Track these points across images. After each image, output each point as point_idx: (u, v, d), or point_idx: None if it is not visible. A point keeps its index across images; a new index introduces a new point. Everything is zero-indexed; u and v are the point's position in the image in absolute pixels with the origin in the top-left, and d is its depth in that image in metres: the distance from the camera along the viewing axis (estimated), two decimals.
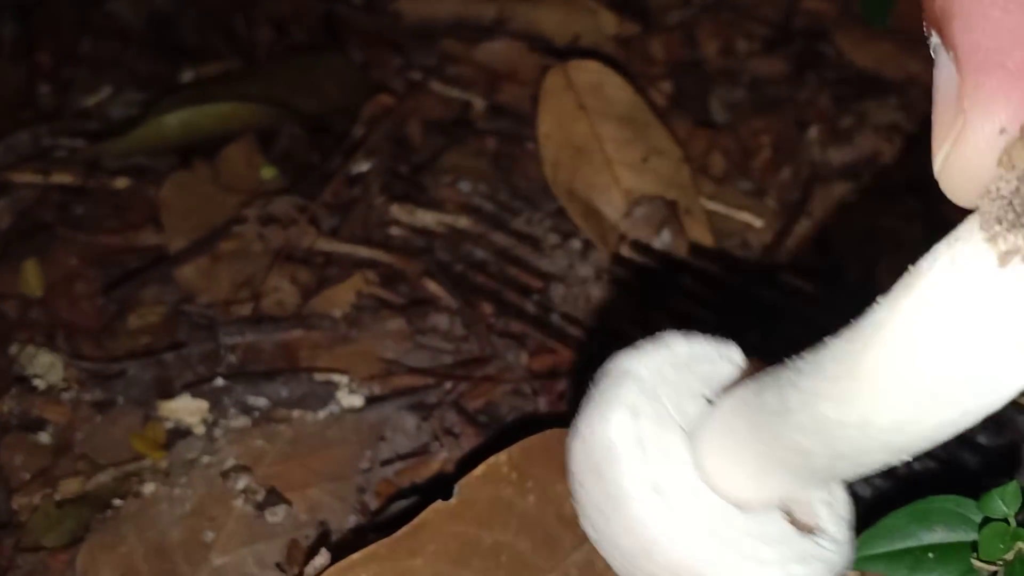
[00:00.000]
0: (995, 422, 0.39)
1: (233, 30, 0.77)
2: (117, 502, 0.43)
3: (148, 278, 0.55)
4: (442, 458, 0.45)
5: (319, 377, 0.48)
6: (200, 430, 0.46)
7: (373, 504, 0.43)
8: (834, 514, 0.23)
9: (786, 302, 0.51)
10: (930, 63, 0.17)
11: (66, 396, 0.49)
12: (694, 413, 0.23)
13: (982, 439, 0.41)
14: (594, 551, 0.37)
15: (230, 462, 0.43)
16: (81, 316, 0.54)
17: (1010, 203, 0.15)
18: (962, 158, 0.16)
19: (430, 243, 0.58)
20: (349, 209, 0.60)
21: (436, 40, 0.72)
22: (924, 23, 0.17)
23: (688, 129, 0.64)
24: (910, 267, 0.16)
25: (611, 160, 0.58)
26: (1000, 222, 0.15)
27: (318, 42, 0.76)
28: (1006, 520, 0.31)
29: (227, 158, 0.62)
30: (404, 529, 0.34)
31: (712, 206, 0.60)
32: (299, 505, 0.42)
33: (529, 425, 0.38)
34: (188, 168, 0.61)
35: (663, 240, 0.55)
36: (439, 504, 0.35)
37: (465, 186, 0.62)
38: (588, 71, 0.60)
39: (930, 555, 0.32)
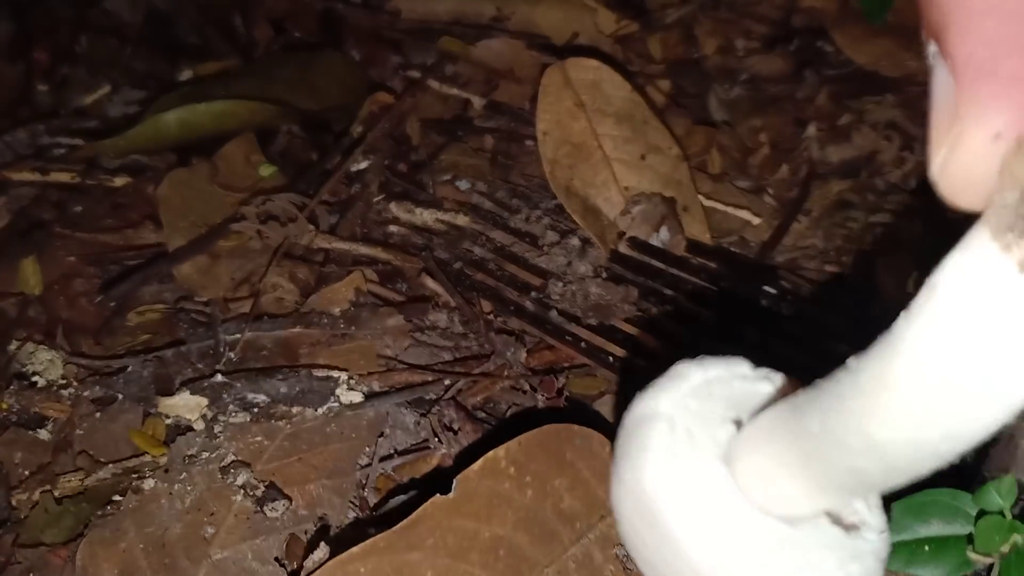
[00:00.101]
0: None
1: (231, 28, 0.77)
2: (117, 498, 0.43)
3: (147, 276, 0.55)
4: (441, 454, 0.45)
5: (318, 374, 0.48)
6: (200, 426, 0.46)
7: (372, 499, 0.44)
8: (871, 505, 0.24)
9: (784, 299, 0.51)
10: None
11: (66, 393, 0.49)
12: (725, 439, 0.23)
13: None
14: (592, 546, 0.37)
15: (230, 458, 0.44)
16: (80, 314, 0.54)
17: (1017, 212, 0.15)
18: (959, 163, 0.16)
19: (429, 241, 0.58)
20: (348, 207, 0.60)
21: (434, 38, 0.72)
22: (922, 32, 0.17)
23: (687, 127, 0.65)
24: (927, 281, 0.17)
25: (609, 158, 0.58)
26: (1011, 230, 0.15)
27: (316, 40, 0.76)
28: (1002, 513, 0.31)
29: (226, 156, 0.62)
30: (403, 523, 0.34)
31: (710, 203, 0.60)
32: (298, 500, 0.42)
33: (528, 421, 0.38)
34: (187, 166, 0.61)
35: (661, 237, 0.55)
36: (437, 498, 0.35)
37: (464, 184, 0.62)
38: (586, 69, 0.60)
39: (926, 548, 0.32)
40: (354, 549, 0.34)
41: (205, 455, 0.44)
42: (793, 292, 0.52)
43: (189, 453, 0.44)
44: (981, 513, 0.31)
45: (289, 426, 0.45)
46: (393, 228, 0.59)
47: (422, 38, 0.73)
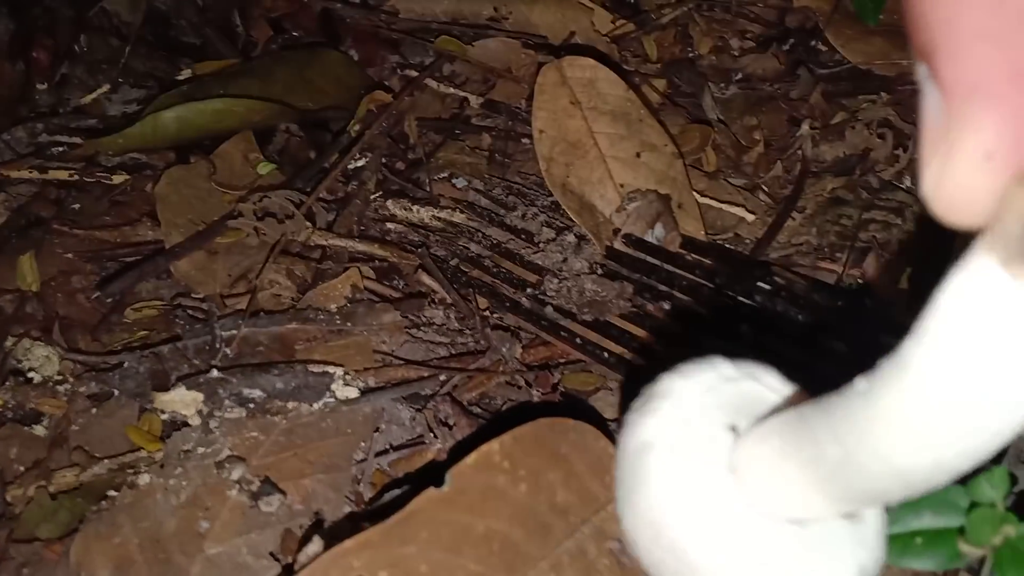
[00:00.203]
0: None
1: (230, 28, 0.78)
2: (112, 493, 0.43)
3: (144, 272, 0.55)
4: (436, 449, 0.45)
5: (314, 369, 0.48)
6: (195, 422, 0.46)
7: (368, 494, 0.44)
8: None
9: (778, 295, 0.52)
10: None
11: (62, 389, 0.49)
12: (724, 448, 0.23)
13: None
14: (586, 540, 0.37)
15: (225, 453, 0.44)
16: (77, 310, 0.54)
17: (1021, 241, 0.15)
18: (951, 182, 0.17)
19: (425, 238, 0.58)
20: (345, 204, 0.60)
21: (432, 38, 0.72)
22: (913, 54, 0.18)
23: (682, 125, 0.65)
24: (932, 303, 0.17)
25: (605, 155, 0.58)
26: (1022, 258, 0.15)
27: (315, 40, 0.76)
28: (993, 505, 0.31)
29: (224, 154, 0.62)
30: (396, 517, 0.34)
31: (705, 201, 0.60)
32: (294, 495, 0.42)
33: (523, 416, 0.38)
34: (185, 164, 0.62)
35: (656, 234, 0.56)
36: (431, 492, 0.35)
37: (460, 181, 0.63)
38: (582, 67, 0.60)
39: (918, 540, 0.32)
40: (347, 543, 0.34)
41: (200, 450, 0.44)
42: (787, 288, 0.52)
43: (184, 448, 0.44)
44: (973, 505, 0.32)
45: (285, 421, 0.46)
46: (390, 225, 0.60)
47: (420, 37, 0.74)
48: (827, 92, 0.68)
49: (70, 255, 0.57)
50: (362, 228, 0.59)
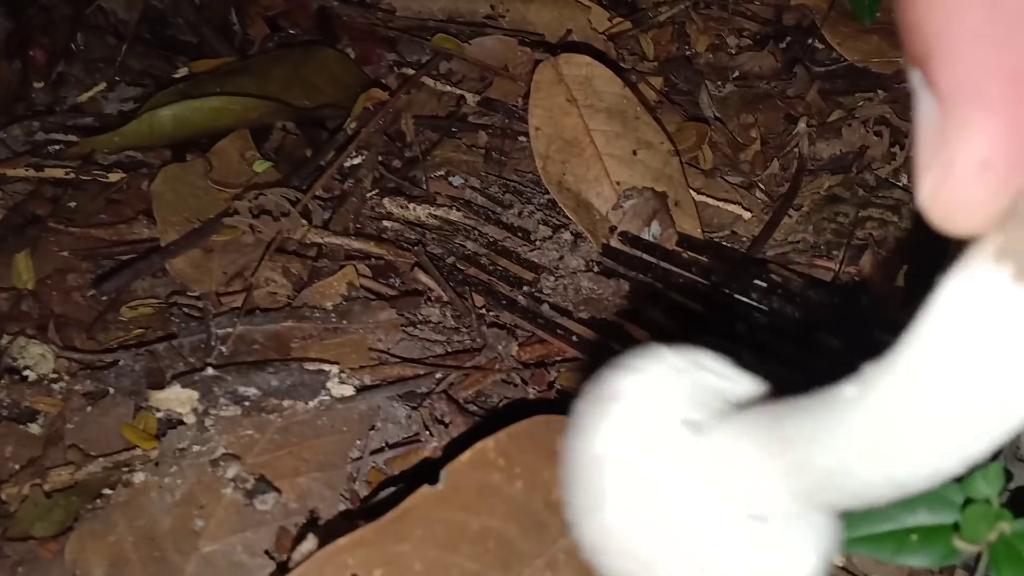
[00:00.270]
0: None
1: (227, 26, 0.78)
2: (107, 492, 0.43)
3: (140, 270, 0.55)
4: (432, 447, 0.45)
5: (310, 367, 0.48)
6: (191, 420, 0.46)
7: (363, 492, 0.44)
8: None
9: (774, 293, 0.52)
10: None
11: (57, 387, 0.49)
12: (687, 445, 0.21)
13: None
14: None
15: (220, 451, 0.44)
16: (73, 308, 0.54)
17: None
18: (948, 191, 0.16)
19: (422, 236, 0.58)
20: (341, 202, 0.60)
21: (429, 36, 0.72)
22: (906, 59, 0.17)
23: (678, 123, 0.65)
24: (929, 307, 0.16)
25: (601, 153, 0.58)
26: None
27: (311, 38, 0.76)
28: (988, 501, 0.31)
29: (220, 152, 0.62)
30: (391, 514, 0.34)
31: (701, 198, 0.60)
32: (289, 493, 0.42)
33: (519, 414, 0.38)
34: (181, 162, 0.61)
35: (652, 232, 0.56)
36: (426, 489, 0.35)
37: (457, 179, 0.63)
38: (578, 65, 0.60)
39: (913, 537, 0.32)
40: (342, 540, 0.34)
41: (196, 448, 0.44)
42: (783, 286, 0.52)
43: (180, 446, 0.44)
44: (968, 501, 0.31)
45: (280, 419, 0.45)
46: (386, 223, 0.60)
47: (416, 35, 0.74)
48: (824, 90, 0.68)
49: (66, 253, 0.57)
50: (358, 226, 0.59)
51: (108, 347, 0.51)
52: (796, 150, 0.64)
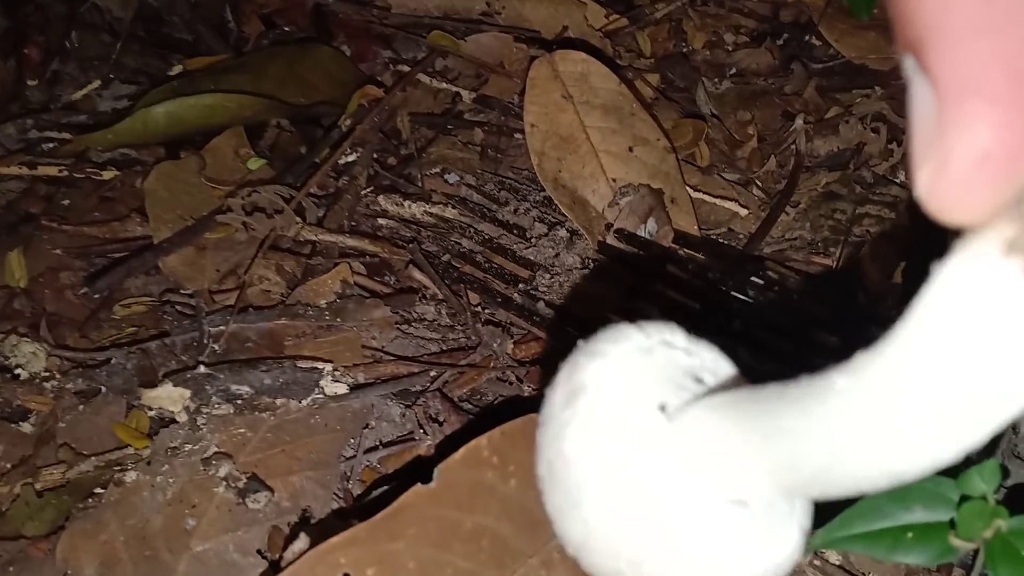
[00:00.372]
0: None
1: (222, 24, 0.77)
2: (99, 491, 0.43)
3: (133, 268, 0.55)
4: (427, 446, 0.45)
5: (303, 365, 0.48)
6: (183, 418, 0.45)
7: (357, 491, 0.43)
8: None
9: (771, 290, 0.51)
10: None
11: (49, 386, 0.48)
12: (660, 431, 0.21)
13: None
14: None
15: (212, 450, 0.43)
16: (65, 306, 0.54)
17: None
18: (947, 184, 0.16)
19: (417, 233, 0.58)
20: (336, 199, 0.60)
21: (424, 33, 0.72)
22: (899, 47, 0.17)
23: (675, 120, 0.65)
24: (930, 292, 0.16)
25: (597, 149, 0.58)
26: None
27: (307, 35, 0.76)
28: (984, 498, 0.31)
29: (214, 149, 0.62)
30: (383, 513, 0.34)
31: (698, 195, 0.60)
32: (281, 492, 0.42)
33: (514, 412, 0.38)
34: (175, 159, 0.61)
35: (649, 229, 0.55)
36: (419, 488, 0.34)
37: (452, 177, 0.62)
38: (574, 61, 0.60)
39: (909, 535, 0.32)
40: (334, 539, 0.33)
41: (188, 447, 0.44)
42: (780, 283, 0.52)
43: (172, 445, 0.44)
44: (964, 498, 0.31)
45: (273, 418, 0.45)
46: (381, 221, 0.59)
47: (412, 32, 0.73)
48: (821, 87, 0.68)
49: (59, 251, 0.57)
50: (353, 223, 0.59)
51: (100, 345, 0.51)
52: (793, 147, 0.64)
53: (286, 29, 0.77)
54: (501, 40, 0.69)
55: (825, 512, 0.32)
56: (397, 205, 0.60)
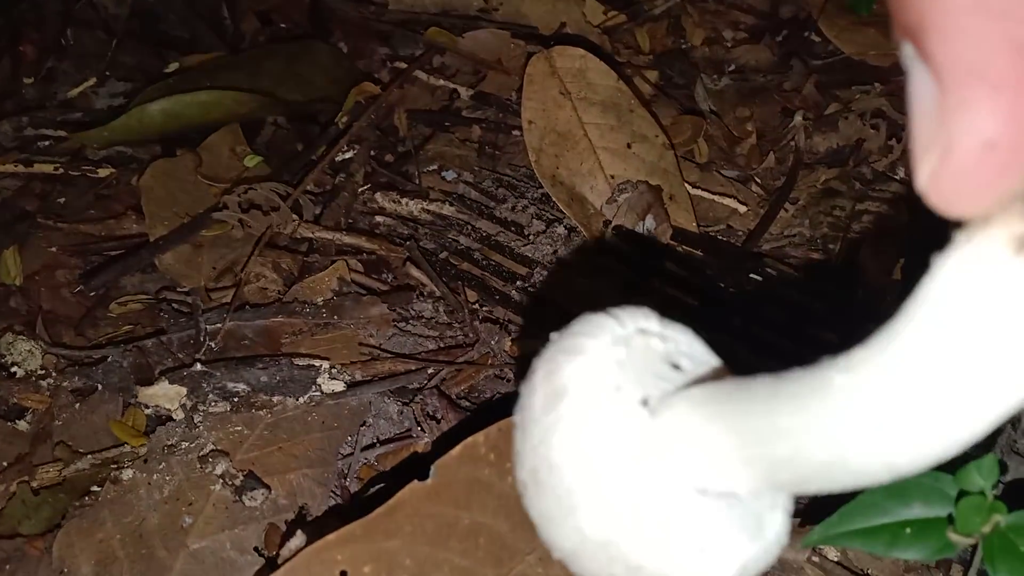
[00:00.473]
0: None
1: (219, 21, 0.77)
2: (95, 489, 0.42)
3: (129, 266, 0.55)
4: (424, 443, 0.45)
5: (300, 363, 0.47)
6: (179, 416, 0.45)
7: (354, 489, 0.43)
8: None
9: (769, 287, 0.51)
10: None
11: (45, 384, 0.48)
12: (643, 426, 0.20)
13: None
14: None
15: (209, 447, 0.43)
16: (61, 304, 0.53)
17: None
18: (950, 174, 0.15)
19: (414, 230, 0.58)
20: (333, 197, 0.60)
21: (422, 29, 0.72)
22: (895, 33, 0.16)
23: (673, 116, 0.64)
24: (934, 288, 0.16)
25: (595, 146, 0.58)
26: None
27: (304, 32, 0.75)
28: (982, 494, 0.31)
29: (210, 147, 0.61)
30: (380, 510, 0.34)
31: (697, 192, 0.60)
32: (278, 490, 0.42)
33: (511, 408, 0.38)
34: (171, 157, 0.61)
35: (647, 226, 0.55)
36: (415, 485, 0.34)
37: (450, 174, 0.62)
38: (571, 57, 0.59)
39: (907, 531, 0.32)
40: (330, 536, 0.33)
41: (184, 445, 0.43)
42: (779, 279, 0.52)
43: (168, 443, 0.44)
44: (962, 494, 0.31)
45: (270, 415, 0.45)
46: (378, 218, 0.59)
47: (410, 29, 0.73)
48: (820, 83, 0.68)
49: (54, 249, 0.57)
50: (350, 221, 0.59)
51: (97, 343, 0.50)
52: (792, 143, 0.63)
53: (283, 26, 0.77)
54: (499, 37, 0.69)
55: (823, 508, 0.32)
56: (394, 202, 0.59)
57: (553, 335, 0.22)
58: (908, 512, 0.32)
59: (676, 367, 0.22)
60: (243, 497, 0.41)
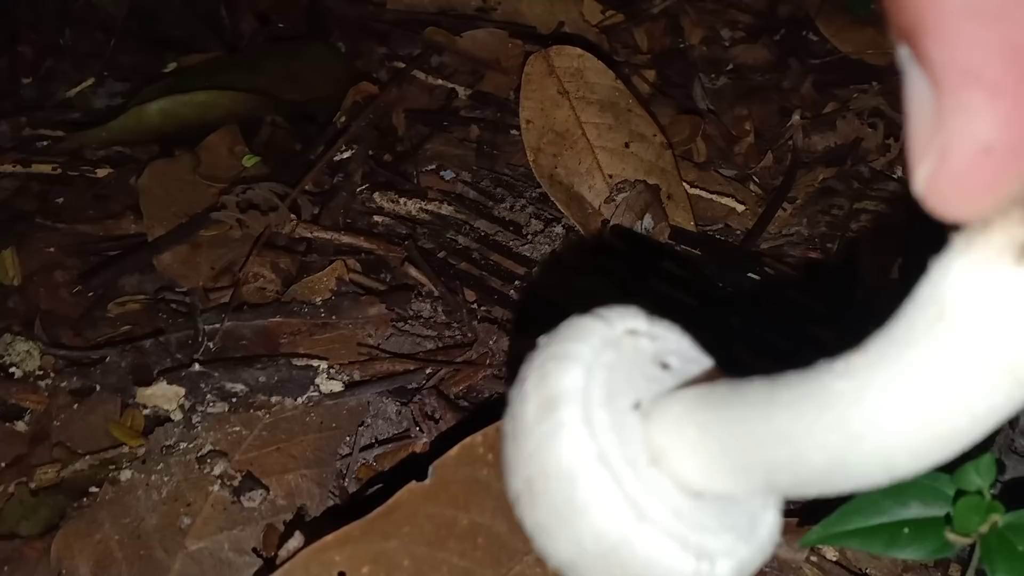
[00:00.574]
0: None
1: (217, 20, 0.77)
2: (93, 489, 0.42)
3: (127, 266, 0.55)
4: (423, 443, 0.45)
5: (298, 363, 0.47)
6: (177, 416, 0.45)
7: (352, 489, 0.43)
8: None
9: (767, 286, 0.51)
10: None
11: (43, 384, 0.48)
12: (638, 434, 0.20)
13: None
14: None
15: (207, 448, 0.43)
16: (60, 304, 0.53)
17: None
18: (946, 178, 0.15)
19: (413, 230, 0.58)
20: (331, 196, 0.60)
21: (420, 29, 0.71)
22: (891, 35, 0.16)
23: (672, 115, 0.64)
24: (934, 294, 0.16)
25: (593, 145, 0.58)
26: None
27: (302, 31, 0.75)
28: (980, 493, 0.31)
29: (209, 147, 0.61)
30: (378, 510, 0.34)
31: (695, 191, 0.60)
32: (277, 490, 0.42)
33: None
34: (169, 157, 0.61)
35: (645, 225, 0.55)
36: (413, 485, 0.34)
37: (448, 173, 0.62)
38: (569, 56, 0.59)
39: (905, 530, 0.32)
40: (328, 537, 0.33)
41: (183, 445, 0.43)
42: (777, 278, 0.52)
43: (167, 444, 0.44)
44: (960, 494, 0.31)
45: (268, 416, 0.45)
46: (377, 218, 0.59)
47: (408, 29, 0.73)
48: (818, 82, 0.68)
49: (53, 249, 0.57)
50: (348, 220, 0.59)
51: (95, 343, 0.50)
52: (790, 143, 0.63)
53: (281, 26, 0.77)
54: (497, 36, 0.69)
55: (822, 508, 0.32)
56: (392, 202, 0.59)
57: (541, 339, 0.22)
58: (906, 512, 0.32)
59: (666, 366, 0.22)
60: (241, 498, 0.41)
